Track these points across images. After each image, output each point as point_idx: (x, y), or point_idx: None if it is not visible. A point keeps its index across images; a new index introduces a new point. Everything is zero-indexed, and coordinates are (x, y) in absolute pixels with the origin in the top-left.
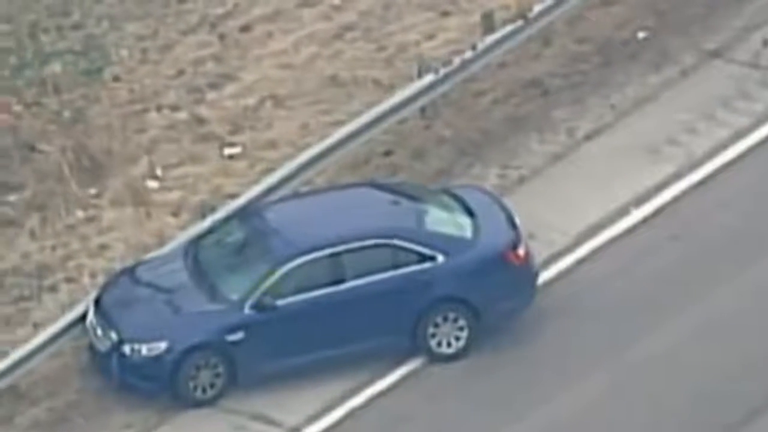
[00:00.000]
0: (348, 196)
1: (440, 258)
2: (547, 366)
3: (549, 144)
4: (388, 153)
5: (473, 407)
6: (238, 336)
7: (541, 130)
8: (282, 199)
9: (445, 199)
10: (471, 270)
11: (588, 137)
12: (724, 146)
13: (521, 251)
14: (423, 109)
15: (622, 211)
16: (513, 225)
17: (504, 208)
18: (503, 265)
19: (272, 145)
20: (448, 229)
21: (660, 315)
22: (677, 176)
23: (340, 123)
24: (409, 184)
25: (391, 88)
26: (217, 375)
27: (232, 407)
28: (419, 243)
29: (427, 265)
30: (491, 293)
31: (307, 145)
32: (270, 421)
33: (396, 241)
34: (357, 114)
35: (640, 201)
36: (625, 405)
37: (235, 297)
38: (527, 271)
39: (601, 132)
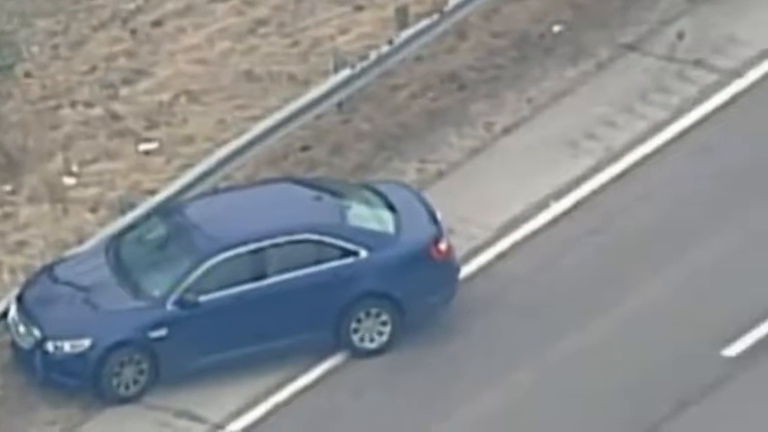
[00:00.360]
0: (269, 192)
1: (363, 253)
2: (471, 362)
3: (467, 138)
4: (305, 148)
5: (398, 403)
6: (161, 332)
7: (459, 125)
8: (203, 195)
9: (367, 194)
10: (393, 265)
11: (506, 131)
12: (642, 139)
13: (443, 246)
14: (340, 104)
15: (542, 205)
16: (434, 220)
17: (425, 203)
18: (425, 260)
19: (189, 140)
20: (371, 225)
21: (583, 310)
22: (596, 170)
23: (256, 118)
24: (330, 179)
25: (306, 83)
26: (141, 372)
27: (156, 404)
28: (342, 238)
29: (349, 260)
30: (414, 288)
31: (224, 141)
32: (194, 418)
33: (318, 237)
34: (273, 109)
35: (559, 195)
36: (551, 401)
37: (157, 293)
38: (449, 265)
39: (519, 126)
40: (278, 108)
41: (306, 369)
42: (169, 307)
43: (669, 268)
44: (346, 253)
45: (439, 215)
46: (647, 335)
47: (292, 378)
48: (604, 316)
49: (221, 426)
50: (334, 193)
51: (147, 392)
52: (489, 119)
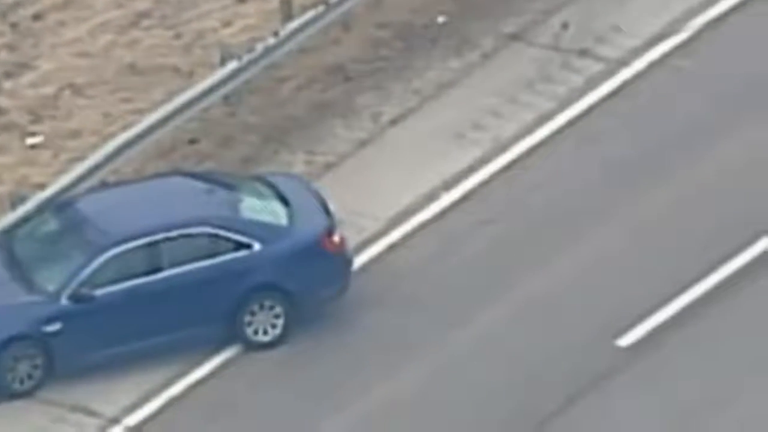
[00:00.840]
0: (162, 186)
1: (256, 246)
2: (363, 354)
3: (354, 130)
4: (193, 141)
5: (293, 396)
6: (56, 327)
7: (346, 116)
8: (96, 189)
9: (259, 186)
10: (287, 257)
11: (393, 122)
12: (529, 130)
13: (336, 238)
14: (227, 97)
15: (432, 196)
16: (327, 212)
17: (317, 195)
18: (319, 252)
19: (75, 134)
20: (264, 217)
21: (474, 301)
22: (484, 161)
23: (142, 111)
24: (221, 172)
25: (190, 76)
26: (36, 366)
27: (51, 398)
28: (235, 231)
29: (243, 253)
30: (307, 280)
31: (111, 134)
32: (89, 412)
33: (212, 230)
34: (159, 102)
35: (448, 186)
36: (442, 394)
37: (51, 288)
38: (342, 257)
39: (406, 117)
40: (164, 101)
41: (200, 362)
42: (64, 301)
43: (560, 259)
44: (240, 245)
45: (332, 207)
46: (539, 326)
47: (187, 371)
48: (495, 308)
49: (116, 420)
50: (226, 186)
51: (41, 387)
52: (376, 110)
